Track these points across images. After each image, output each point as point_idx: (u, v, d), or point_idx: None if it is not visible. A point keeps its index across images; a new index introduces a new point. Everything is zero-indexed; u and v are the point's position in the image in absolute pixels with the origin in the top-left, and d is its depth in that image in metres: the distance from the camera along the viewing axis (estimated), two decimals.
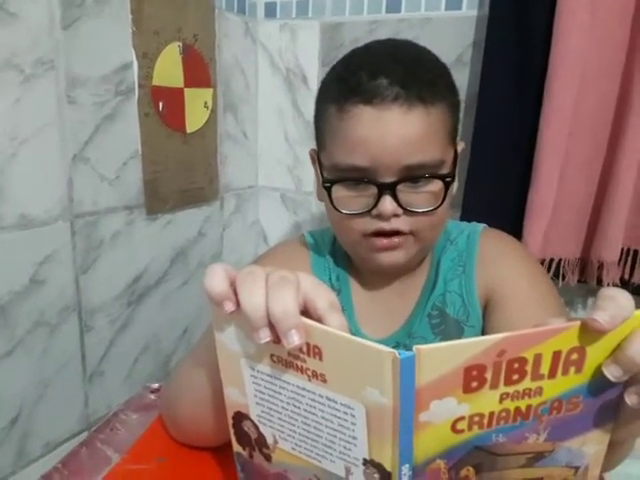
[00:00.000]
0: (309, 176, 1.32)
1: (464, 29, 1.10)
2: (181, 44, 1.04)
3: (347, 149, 0.56)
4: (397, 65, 0.55)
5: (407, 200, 0.56)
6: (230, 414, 0.42)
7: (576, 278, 1.03)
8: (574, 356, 0.33)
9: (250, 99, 1.31)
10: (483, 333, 0.65)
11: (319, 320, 0.35)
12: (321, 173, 0.61)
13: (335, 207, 0.58)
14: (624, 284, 0.99)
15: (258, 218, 1.41)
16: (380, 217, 0.56)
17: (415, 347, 0.31)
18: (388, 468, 0.35)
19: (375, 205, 0.56)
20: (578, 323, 0.32)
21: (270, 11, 1.29)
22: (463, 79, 1.12)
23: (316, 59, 1.26)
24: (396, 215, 0.56)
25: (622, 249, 0.97)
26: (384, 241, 0.58)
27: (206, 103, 1.13)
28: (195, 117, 1.10)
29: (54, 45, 0.81)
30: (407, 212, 0.57)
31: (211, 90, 1.14)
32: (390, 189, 0.55)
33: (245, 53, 1.26)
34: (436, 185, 0.57)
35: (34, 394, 0.87)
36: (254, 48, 1.30)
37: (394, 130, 0.54)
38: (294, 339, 0.33)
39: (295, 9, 1.26)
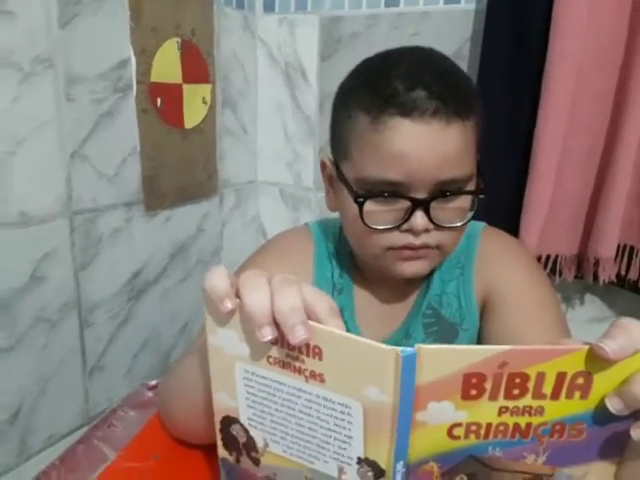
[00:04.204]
0: (308, 171, 1.32)
1: (462, 23, 1.10)
2: (179, 40, 1.04)
3: (381, 163, 0.54)
4: (433, 77, 0.53)
5: (437, 215, 0.55)
6: (218, 419, 0.42)
7: (573, 274, 1.04)
8: (580, 381, 0.32)
9: (249, 94, 1.31)
10: (479, 335, 0.64)
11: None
12: (347, 186, 0.58)
13: (365, 222, 0.56)
14: (620, 280, 0.99)
15: (258, 213, 1.42)
16: (410, 232, 0.55)
17: (417, 346, 0.31)
18: (383, 466, 0.35)
19: (407, 219, 0.55)
20: (586, 347, 0.32)
21: (269, 5, 1.28)
22: None
23: (315, 53, 1.25)
24: (426, 230, 0.55)
25: (618, 245, 0.97)
26: (410, 252, 0.57)
27: (204, 98, 1.13)
28: (194, 113, 1.10)
29: (52, 43, 0.82)
30: (437, 227, 0.56)
31: (209, 85, 1.14)
32: (424, 205, 0.54)
33: (244, 48, 1.26)
34: (465, 200, 0.57)
35: (35, 389, 0.88)
36: (253, 43, 1.30)
37: (433, 145, 0.52)
38: (301, 333, 0.33)
39: (294, 3, 1.25)
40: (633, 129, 0.90)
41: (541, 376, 0.32)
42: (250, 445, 0.41)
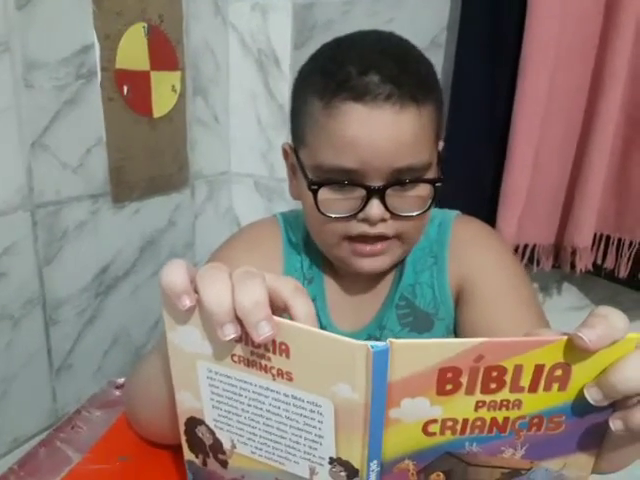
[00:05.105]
0: (282, 162, 1.28)
1: (439, 11, 1.09)
2: (146, 25, 1.00)
3: (334, 149, 0.52)
4: (387, 60, 0.51)
5: (394, 204, 0.53)
6: (182, 420, 0.40)
7: (550, 264, 1.04)
8: (558, 372, 0.31)
9: (221, 82, 1.27)
10: (455, 325, 0.63)
11: (285, 306, 0.34)
12: (303, 173, 0.57)
13: (320, 211, 0.55)
14: (596, 269, 0.99)
15: (231, 205, 1.38)
16: (366, 221, 0.54)
17: (389, 340, 0.30)
18: (356, 465, 0.34)
19: (362, 209, 0.53)
20: (565, 338, 0.31)
21: None
22: (438, 62, 1.10)
23: (288, 40, 1.22)
24: (383, 220, 0.54)
25: (595, 235, 0.97)
26: (367, 248, 0.56)
27: (174, 86, 1.09)
28: (162, 101, 1.07)
29: (8, 25, 0.77)
30: (394, 216, 0.54)
31: (179, 73, 1.10)
32: (379, 193, 0.52)
33: (215, 34, 1.22)
34: (424, 189, 0.55)
35: None
36: (224, 29, 1.26)
37: (386, 131, 0.51)
38: (265, 330, 0.31)
39: None
40: (608, 118, 0.90)
41: (518, 369, 0.31)
42: (217, 447, 0.40)
